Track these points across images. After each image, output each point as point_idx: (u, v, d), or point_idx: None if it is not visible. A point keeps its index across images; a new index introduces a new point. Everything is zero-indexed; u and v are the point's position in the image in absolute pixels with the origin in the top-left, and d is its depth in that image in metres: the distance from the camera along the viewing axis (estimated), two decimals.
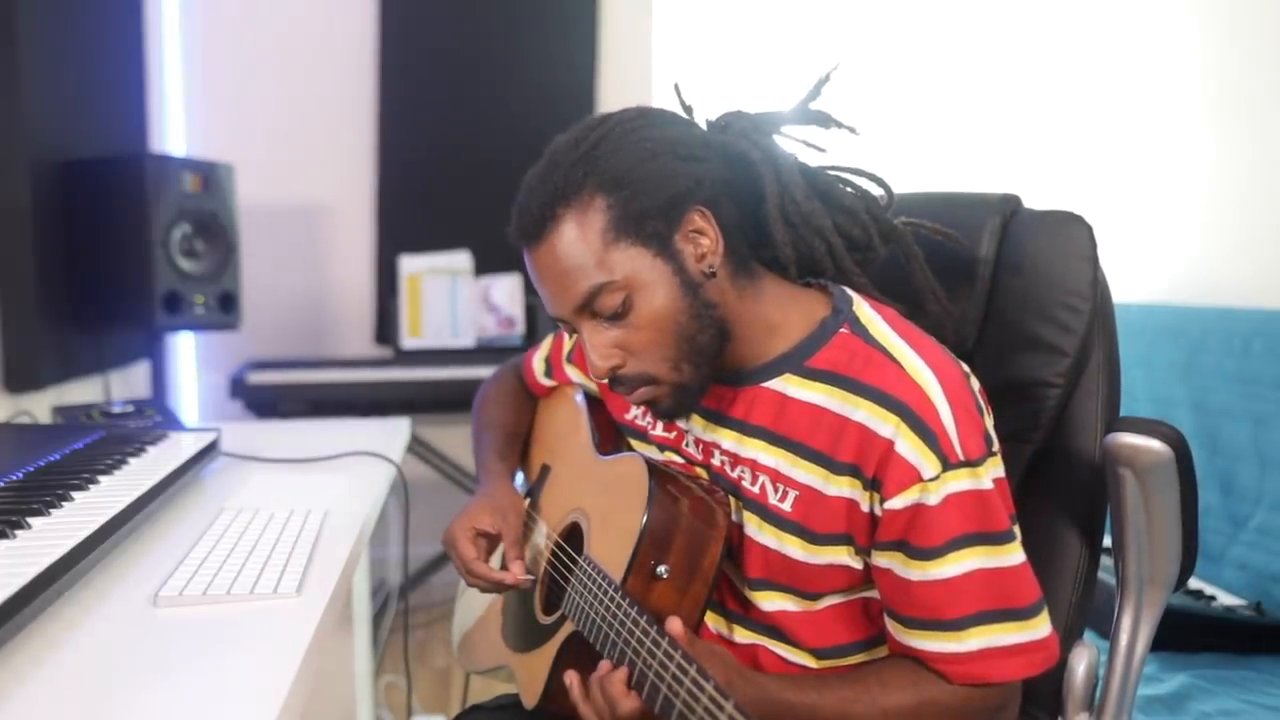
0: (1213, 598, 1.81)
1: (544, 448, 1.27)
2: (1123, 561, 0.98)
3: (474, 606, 1.29)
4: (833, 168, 0.99)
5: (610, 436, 1.13)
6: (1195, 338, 2.09)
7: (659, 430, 1.05)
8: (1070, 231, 1.03)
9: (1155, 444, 0.91)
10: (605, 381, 0.94)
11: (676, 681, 0.74)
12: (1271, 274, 2.22)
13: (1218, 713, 1.45)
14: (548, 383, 1.28)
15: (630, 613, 0.83)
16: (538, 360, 1.29)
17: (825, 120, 0.97)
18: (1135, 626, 0.98)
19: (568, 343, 1.23)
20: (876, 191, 1.00)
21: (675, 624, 0.79)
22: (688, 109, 1.00)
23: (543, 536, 1.13)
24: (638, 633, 0.81)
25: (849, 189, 0.98)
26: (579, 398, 1.21)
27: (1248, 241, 2.32)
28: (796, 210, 0.94)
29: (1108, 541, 1.03)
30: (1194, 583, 1.87)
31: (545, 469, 1.23)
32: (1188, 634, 1.67)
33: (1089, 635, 1.04)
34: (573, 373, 1.23)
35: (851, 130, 0.97)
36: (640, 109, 0.94)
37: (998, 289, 1.06)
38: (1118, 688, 0.98)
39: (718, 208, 0.90)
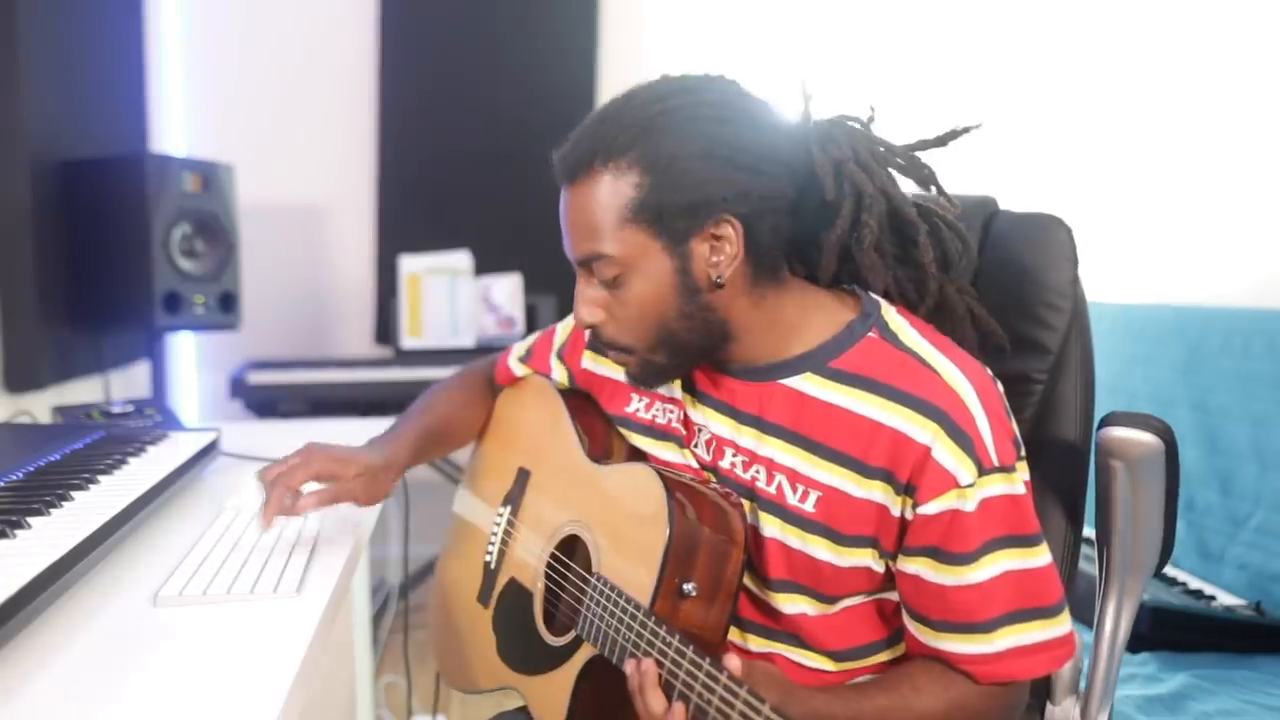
0: (1213, 598, 1.81)
1: (517, 449, 1.21)
2: (1108, 550, 1.00)
3: (453, 624, 1.23)
4: (922, 204, 0.96)
5: (601, 439, 1.10)
6: (1195, 338, 2.09)
7: (676, 425, 1.02)
8: (1051, 233, 1.06)
9: (1147, 436, 0.93)
10: (586, 335, 0.94)
11: (727, 705, 0.73)
12: (1271, 274, 2.22)
13: (1218, 713, 1.45)
14: (520, 370, 1.25)
15: (671, 641, 0.81)
16: (518, 347, 1.26)
17: (927, 179, 0.96)
18: (1119, 613, 1.00)
19: (559, 337, 1.21)
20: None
21: (732, 660, 0.77)
22: (806, 99, 0.94)
23: (535, 549, 1.09)
24: (675, 656, 0.80)
25: (928, 243, 0.95)
26: (556, 396, 1.17)
27: (1248, 241, 2.32)
28: (860, 253, 0.93)
29: (1087, 532, 1.04)
30: (1194, 583, 1.88)
31: (523, 473, 1.17)
32: (1188, 634, 1.67)
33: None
34: (557, 368, 1.20)
35: (949, 203, 0.96)
36: (726, 91, 0.90)
37: (979, 289, 1.07)
38: (1103, 673, 1.00)
39: (755, 224, 0.88)
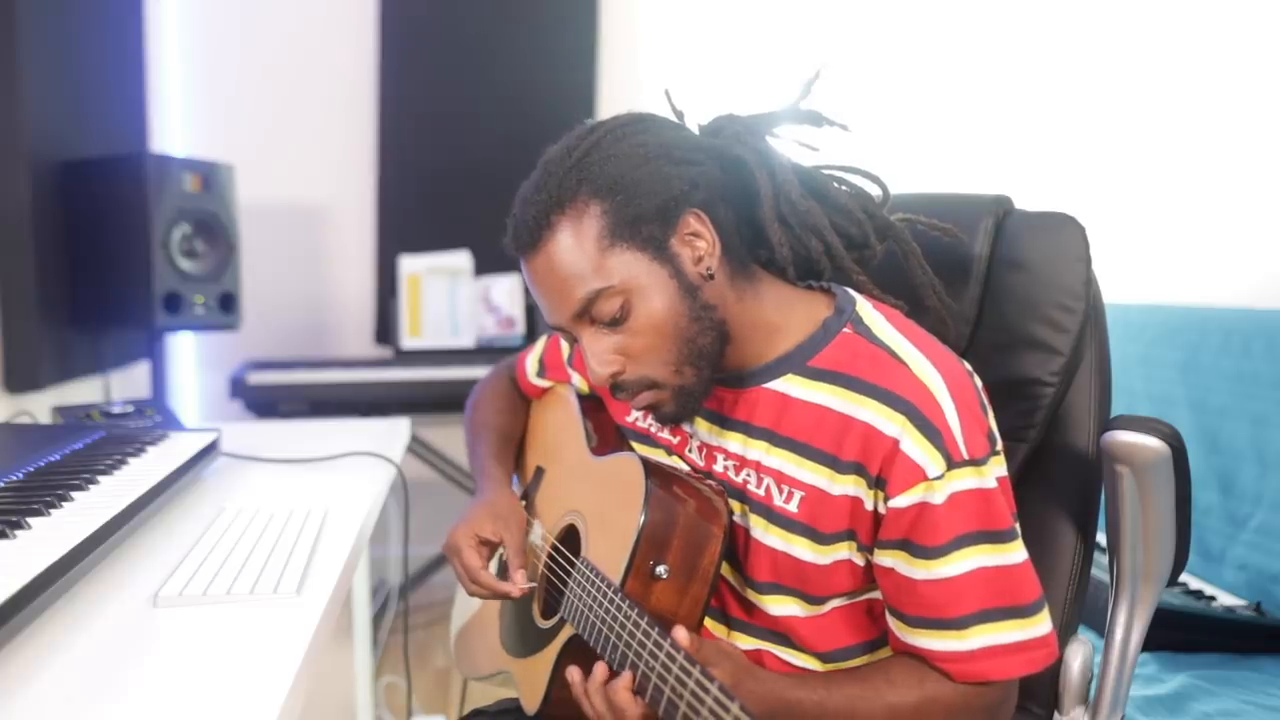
0: (1213, 598, 1.81)
1: (537, 450, 1.26)
2: (1118, 558, 0.98)
3: (471, 610, 1.28)
4: (826, 167, 0.98)
5: (609, 438, 1.13)
6: (1195, 338, 2.08)
7: (664, 434, 1.05)
8: (1064, 232, 1.04)
9: (1153, 441, 0.91)
10: (608, 388, 0.93)
11: (680, 684, 0.73)
12: (1271, 274, 2.22)
13: (1218, 713, 1.45)
14: (541, 383, 1.28)
15: (631, 615, 0.82)
16: (531, 361, 1.28)
17: (817, 119, 0.97)
18: (1130, 622, 0.98)
19: (565, 347, 1.23)
20: (872, 190, 0.99)
21: (680, 632, 0.78)
22: (679, 114, 0.99)
23: (539, 539, 1.13)
24: (639, 635, 0.81)
25: (844, 187, 0.98)
26: (572, 399, 1.21)
27: (1247, 241, 2.32)
28: (792, 210, 0.93)
29: (1101, 539, 1.03)
30: (1194, 583, 1.88)
31: (539, 471, 1.22)
32: (1188, 634, 1.67)
33: (1082, 630, 1.04)
34: (574, 377, 1.23)
35: (843, 128, 0.97)
36: (631, 115, 0.93)
37: (991, 289, 1.06)
38: (1113, 682, 0.99)
39: (713, 210, 0.90)
